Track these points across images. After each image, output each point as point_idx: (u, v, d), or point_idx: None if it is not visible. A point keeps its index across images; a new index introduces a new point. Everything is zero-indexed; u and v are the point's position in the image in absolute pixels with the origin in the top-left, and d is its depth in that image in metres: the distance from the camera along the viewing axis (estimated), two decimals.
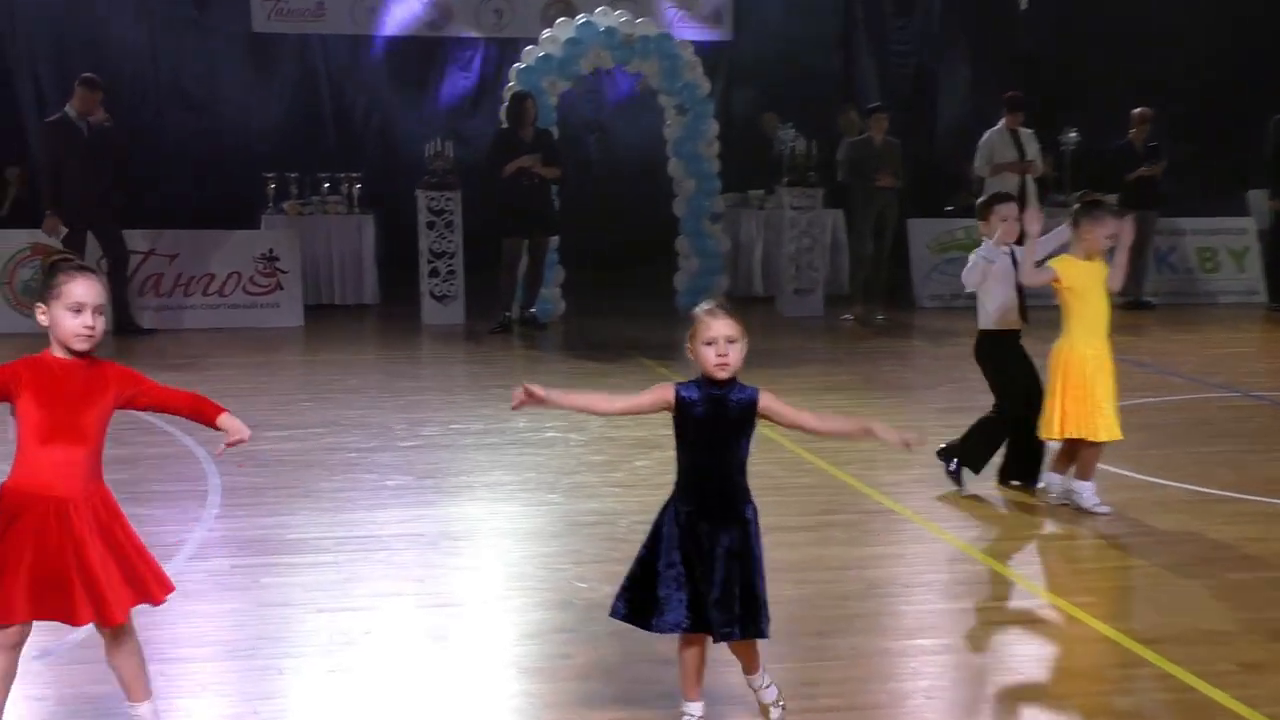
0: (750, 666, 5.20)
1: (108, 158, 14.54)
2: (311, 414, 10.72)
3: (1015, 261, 8.16)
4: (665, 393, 4.99)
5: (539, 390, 4.94)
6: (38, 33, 18.86)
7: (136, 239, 15.09)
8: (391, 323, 15.78)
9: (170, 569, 6.88)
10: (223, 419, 4.91)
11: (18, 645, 4.66)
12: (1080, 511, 7.97)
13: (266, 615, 6.34)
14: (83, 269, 4.65)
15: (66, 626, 4.86)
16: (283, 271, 15.74)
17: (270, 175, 17.21)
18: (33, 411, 4.53)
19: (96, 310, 4.57)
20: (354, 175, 17.35)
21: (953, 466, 8.36)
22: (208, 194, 18.25)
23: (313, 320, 15.78)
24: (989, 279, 8.22)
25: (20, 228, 15.94)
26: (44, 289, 4.61)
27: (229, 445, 4.96)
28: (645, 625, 5.02)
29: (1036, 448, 8.39)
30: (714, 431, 4.97)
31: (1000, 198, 8.61)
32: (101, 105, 14.66)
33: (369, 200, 17.31)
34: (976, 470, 8.38)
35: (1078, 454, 8.04)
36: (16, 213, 16.83)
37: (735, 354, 4.92)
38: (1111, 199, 16.92)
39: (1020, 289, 8.23)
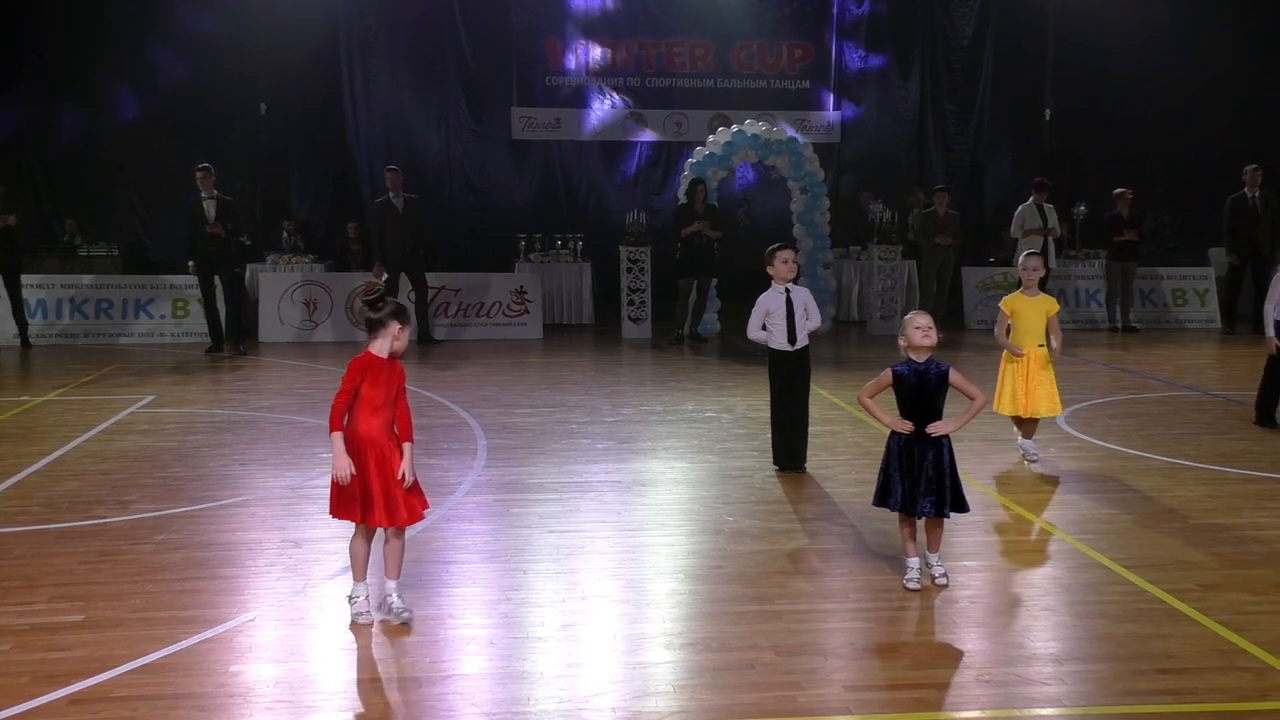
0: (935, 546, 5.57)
1: (414, 224, 14.82)
2: (547, 398, 10.79)
3: (790, 300, 7.50)
4: (886, 376, 5.51)
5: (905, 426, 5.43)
6: (371, 140, 19.36)
7: (434, 278, 15.34)
8: (601, 336, 15.80)
9: (452, 500, 7.09)
10: (406, 447, 4.99)
11: (372, 535, 5.10)
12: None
13: (514, 533, 6.41)
14: (406, 320, 5.04)
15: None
16: (529, 301, 15.88)
17: (522, 235, 17.41)
18: (369, 390, 4.93)
19: (408, 338, 5.12)
20: (578, 235, 17.43)
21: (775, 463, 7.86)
22: (480, 247, 18.51)
23: (549, 334, 15.88)
24: (771, 315, 7.54)
25: (355, 269, 16.44)
26: (388, 320, 4.97)
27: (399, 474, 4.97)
28: (885, 505, 5.49)
29: (791, 437, 7.76)
30: (920, 394, 5.43)
31: (781, 246, 7.49)
32: (404, 185, 14.92)
33: (588, 252, 17.34)
34: (777, 463, 7.82)
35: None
36: (353, 258, 17.29)
37: (934, 336, 5.49)
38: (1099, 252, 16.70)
39: (792, 320, 7.51)
